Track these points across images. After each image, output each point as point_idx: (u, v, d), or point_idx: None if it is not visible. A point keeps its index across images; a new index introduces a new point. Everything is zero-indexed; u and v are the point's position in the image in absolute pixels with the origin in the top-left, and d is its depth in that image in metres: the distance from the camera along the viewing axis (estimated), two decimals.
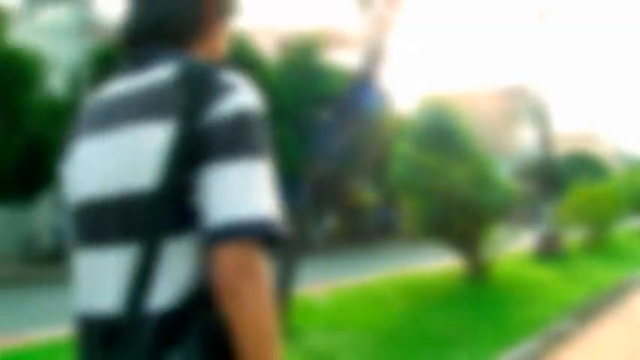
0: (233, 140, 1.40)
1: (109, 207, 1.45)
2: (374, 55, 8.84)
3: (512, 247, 20.07)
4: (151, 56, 1.54)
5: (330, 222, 36.50)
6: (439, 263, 16.83)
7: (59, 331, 7.87)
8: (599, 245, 23.36)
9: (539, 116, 22.58)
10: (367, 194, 36.62)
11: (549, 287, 12.54)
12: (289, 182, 23.53)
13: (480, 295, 11.85)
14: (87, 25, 24.19)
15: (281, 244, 1.45)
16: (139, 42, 1.57)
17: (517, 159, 63.36)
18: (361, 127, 27.33)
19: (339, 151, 9.49)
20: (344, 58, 31.12)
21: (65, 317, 2.54)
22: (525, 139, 69.74)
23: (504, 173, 36.01)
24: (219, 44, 1.69)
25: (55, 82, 23.51)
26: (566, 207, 22.45)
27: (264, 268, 1.40)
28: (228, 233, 1.34)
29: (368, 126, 29.06)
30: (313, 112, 29.20)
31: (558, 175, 23.76)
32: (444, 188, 12.71)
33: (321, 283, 14.02)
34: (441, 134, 13.54)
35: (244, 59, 27.16)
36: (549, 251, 18.96)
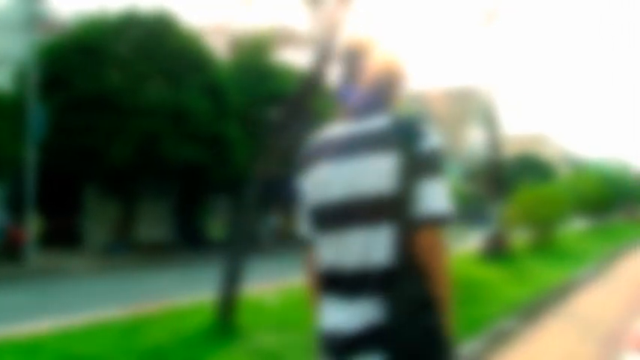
0: (434, 165, 2.33)
1: (352, 204, 2.35)
2: (324, 55, 8.83)
3: (460, 247, 20.27)
4: (367, 112, 2.46)
5: (279, 221, 36.48)
6: None
7: None
8: (545, 245, 23.75)
9: (488, 118, 22.82)
10: None
11: (495, 287, 12.68)
12: (238, 181, 23.35)
13: None
14: (35, 20, 23.79)
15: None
16: (356, 101, 2.50)
17: (466, 160, 64.07)
18: (311, 126, 27.42)
19: (288, 150, 9.47)
20: (295, 57, 31.15)
21: None
22: (475, 141, 70.54)
23: (453, 174, 36.20)
24: (399, 99, 2.57)
25: (1, 77, 23.13)
26: (512, 208, 22.76)
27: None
28: (435, 219, 2.29)
29: (319, 125, 29.15)
30: (263, 111, 29.17)
31: (506, 177, 24.06)
32: None
33: (270, 282, 13.99)
34: None
35: (195, 58, 27.01)
36: (496, 251, 19.20)
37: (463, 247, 21.19)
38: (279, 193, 30.74)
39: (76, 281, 18.75)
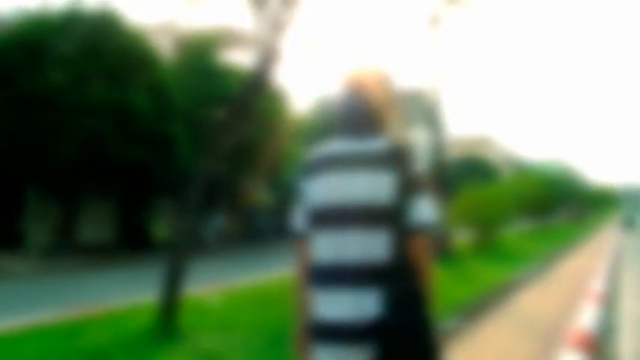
0: (423, 183, 2.77)
1: (350, 209, 2.69)
2: (268, 56, 8.84)
3: None
4: (366, 132, 2.84)
5: (224, 222, 36.31)
6: None
7: None
8: (488, 246, 24.07)
9: (432, 120, 23.01)
10: (261, 194, 36.62)
11: (438, 287, 12.82)
12: (181, 181, 23.19)
13: None
14: None
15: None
16: (354, 125, 2.87)
17: None
18: (256, 127, 27.30)
19: (232, 151, 9.45)
20: (240, 58, 31.05)
21: None
22: (419, 143, 71.08)
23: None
24: (393, 126, 3.00)
25: None
26: (455, 209, 22.99)
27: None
28: (423, 227, 2.72)
29: (263, 126, 29.04)
30: (208, 112, 29.02)
31: (450, 179, 24.29)
32: None
33: (214, 284, 13.93)
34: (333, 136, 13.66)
35: (139, 57, 26.73)
36: (439, 252, 19.38)
37: None
38: (224, 194, 30.67)
39: (16, 283, 18.45)
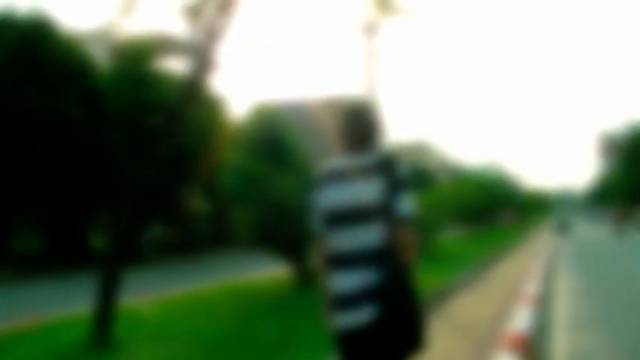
0: (405, 185, 3.67)
1: (351, 208, 3.66)
2: (204, 63, 8.80)
3: None
4: (363, 148, 3.84)
5: (161, 231, 35.93)
6: (270, 271, 16.93)
7: None
8: (424, 251, 24.27)
9: None
10: (199, 203, 36.36)
11: None
12: (117, 190, 22.79)
13: (308, 302, 12.00)
14: None
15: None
16: (353, 143, 3.88)
17: None
18: (194, 134, 27.12)
19: (169, 159, 9.37)
20: (176, 65, 30.82)
21: None
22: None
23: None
24: (379, 142, 3.94)
25: None
26: None
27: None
28: (406, 218, 3.62)
29: (201, 134, 28.87)
30: (145, 119, 28.72)
31: None
32: (273, 198, 12.78)
33: (150, 294, 13.79)
34: (272, 143, 13.61)
35: (74, 64, 26.34)
36: None
37: None
38: (161, 203, 30.33)
39: None
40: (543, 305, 12.53)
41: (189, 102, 9.03)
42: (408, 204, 3.70)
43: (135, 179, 8.78)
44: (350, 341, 3.73)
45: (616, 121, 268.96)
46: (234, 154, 14.17)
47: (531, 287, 13.53)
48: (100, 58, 30.17)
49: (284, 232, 13.13)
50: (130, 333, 8.98)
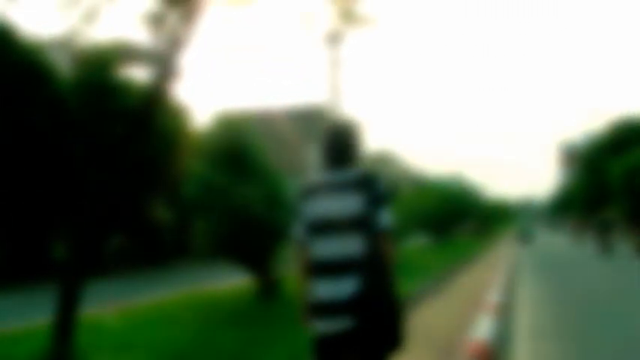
0: (385, 199, 4.09)
1: (334, 220, 4.04)
2: (167, 72, 8.77)
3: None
4: (344, 164, 4.24)
5: (124, 241, 35.60)
6: (233, 281, 16.88)
7: None
8: None
9: None
10: (163, 213, 36.13)
11: None
12: (80, 200, 22.58)
13: (270, 313, 11.99)
14: None
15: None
16: (335, 158, 4.27)
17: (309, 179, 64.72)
18: (157, 143, 26.97)
19: (132, 167, 9.32)
20: (140, 74, 30.64)
21: None
22: (318, 160, 71.47)
23: (296, 193, 36.72)
24: (359, 161, 4.35)
25: None
26: None
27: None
28: (385, 230, 4.02)
29: (164, 143, 28.71)
30: (108, 128, 28.44)
31: None
32: (236, 207, 12.74)
33: (112, 304, 13.67)
34: (235, 153, 13.57)
35: (36, 72, 26.05)
36: None
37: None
38: (125, 212, 30.08)
39: None
40: (505, 314, 12.63)
41: (152, 110, 8.98)
42: (387, 217, 4.11)
43: (97, 189, 8.71)
44: (329, 347, 4.08)
45: (576, 131, 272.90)
46: (198, 163, 14.11)
47: (493, 296, 13.64)
48: (63, 65, 29.88)
49: (247, 242, 13.10)
50: (91, 344, 8.89)
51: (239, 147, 13.68)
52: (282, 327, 10.57)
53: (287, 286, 14.50)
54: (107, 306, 13.37)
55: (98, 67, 29.62)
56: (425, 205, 44.28)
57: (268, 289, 13.87)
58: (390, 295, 4.03)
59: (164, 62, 8.84)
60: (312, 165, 73.25)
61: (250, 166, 13.62)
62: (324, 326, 4.02)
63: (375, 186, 4.12)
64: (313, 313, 4.09)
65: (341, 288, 3.96)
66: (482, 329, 9.43)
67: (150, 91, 8.93)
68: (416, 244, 41.15)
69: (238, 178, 13.19)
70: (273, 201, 13.35)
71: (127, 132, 8.95)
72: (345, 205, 4.07)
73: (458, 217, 64.58)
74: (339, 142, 4.34)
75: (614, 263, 30.46)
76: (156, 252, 37.12)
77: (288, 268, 14.73)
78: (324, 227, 4.11)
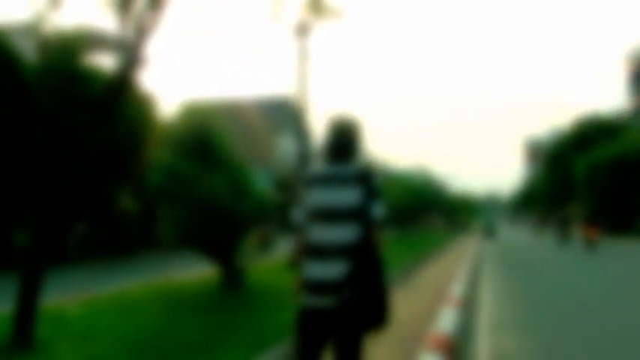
0: (378, 193, 4.50)
1: (333, 210, 4.43)
2: (132, 59, 8.69)
3: (271, 255, 20.47)
4: (345, 159, 4.63)
5: (89, 230, 35.28)
6: (198, 271, 16.82)
7: None
8: None
9: (298, 129, 23.16)
10: (128, 202, 35.85)
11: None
12: (43, 187, 22.35)
13: (235, 302, 11.97)
14: None
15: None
16: (337, 153, 4.63)
17: (277, 170, 64.73)
18: (123, 132, 26.74)
19: (98, 156, 9.23)
20: (106, 61, 30.31)
21: None
22: (286, 150, 71.45)
23: (263, 183, 36.42)
24: (359, 152, 4.73)
25: None
26: None
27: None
28: (378, 222, 4.44)
29: (131, 131, 28.48)
30: (72, 115, 28.09)
31: None
32: (201, 197, 12.68)
33: (76, 294, 13.56)
34: (200, 142, 13.50)
35: (0, 59, 25.67)
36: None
37: (272, 255, 21.41)
38: (89, 201, 29.82)
39: None
40: (468, 307, 12.73)
41: (118, 98, 8.91)
42: (380, 209, 4.54)
43: (61, 176, 8.62)
44: (313, 318, 4.49)
45: (541, 127, 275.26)
46: (163, 152, 14.01)
47: (456, 289, 13.73)
48: (27, 52, 29.47)
49: (211, 232, 13.05)
50: (53, 333, 8.81)
51: (205, 136, 13.61)
52: (246, 315, 10.57)
53: (253, 277, 14.48)
54: (70, 295, 13.24)
55: (64, 54, 29.22)
56: (390, 198, 44.45)
57: (233, 278, 13.84)
58: (380, 278, 4.51)
59: (130, 49, 8.77)
60: (280, 155, 73.20)
61: (216, 155, 13.56)
62: (312, 301, 4.45)
63: (372, 181, 4.53)
64: (304, 290, 4.52)
65: (333, 270, 4.40)
66: (446, 322, 9.49)
67: (115, 79, 8.86)
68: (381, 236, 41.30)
69: (204, 167, 13.12)
70: (238, 191, 13.30)
71: (92, 120, 8.87)
72: (345, 196, 4.49)
73: (423, 210, 64.92)
74: (341, 138, 4.72)
75: (570, 255, 32.05)
76: (121, 241, 36.84)
77: (255, 258, 14.72)
78: (324, 215, 4.51)
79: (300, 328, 4.55)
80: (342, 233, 4.44)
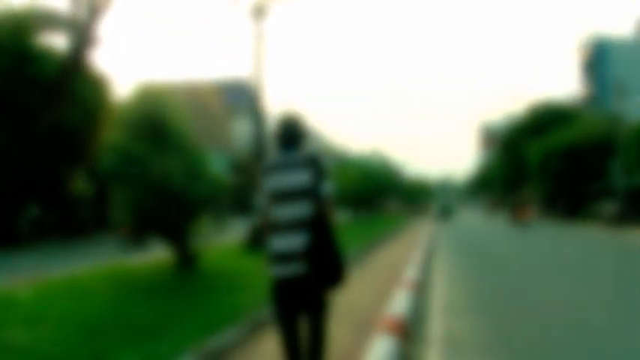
0: (327, 173, 5.44)
1: (288, 191, 5.33)
2: (85, 39, 8.56)
3: (224, 238, 20.38)
4: (293, 148, 5.55)
5: (40, 212, 34.81)
6: (152, 255, 16.69)
7: None
8: None
9: (254, 112, 23.05)
10: (82, 184, 35.43)
11: (255, 276, 12.88)
12: None
13: (189, 285, 11.91)
14: None
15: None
16: (287, 142, 5.57)
17: (233, 152, 64.47)
18: (76, 114, 26.37)
19: (50, 138, 9.09)
20: (57, 41, 29.82)
21: None
22: (242, 133, 71.19)
23: (219, 166, 36.20)
24: (306, 141, 5.67)
25: None
26: None
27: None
28: (328, 198, 5.37)
29: (84, 113, 28.09)
30: (23, 96, 27.63)
31: None
32: (155, 179, 12.55)
33: (27, 276, 13.38)
34: (154, 124, 13.34)
35: None
36: (258, 242, 19.47)
37: (227, 237, 21.33)
38: (41, 183, 29.41)
39: None
40: (421, 290, 12.82)
41: (70, 78, 8.78)
42: (329, 187, 5.43)
43: (12, 157, 8.48)
44: (284, 286, 5.40)
45: (497, 112, 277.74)
46: (117, 133, 13.82)
47: (410, 272, 13.81)
48: None
49: (165, 214, 12.94)
50: (1, 316, 8.69)
51: (159, 118, 13.45)
52: (200, 298, 10.52)
53: (207, 260, 14.41)
54: (20, 278, 13.06)
55: (14, 34, 28.65)
56: (347, 181, 44.55)
57: (187, 261, 13.75)
58: (334, 245, 5.34)
59: (83, 29, 8.64)
60: (237, 137, 72.90)
61: (170, 138, 13.42)
62: (281, 270, 5.35)
63: (319, 163, 5.44)
64: (273, 261, 5.39)
65: (295, 241, 5.28)
66: (399, 304, 9.54)
67: (68, 59, 8.72)
68: (337, 219, 41.46)
69: (157, 149, 12.98)
70: (192, 173, 13.19)
71: (43, 100, 8.73)
72: (297, 178, 5.38)
73: (379, 194, 65.20)
74: (289, 131, 5.62)
75: (520, 234, 34.96)
76: (74, 224, 36.44)
77: (209, 241, 14.63)
78: (282, 196, 5.38)
79: (275, 295, 5.47)
80: (299, 210, 5.34)
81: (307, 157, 5.49)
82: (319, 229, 5.32)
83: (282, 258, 5.34)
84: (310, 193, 5.36)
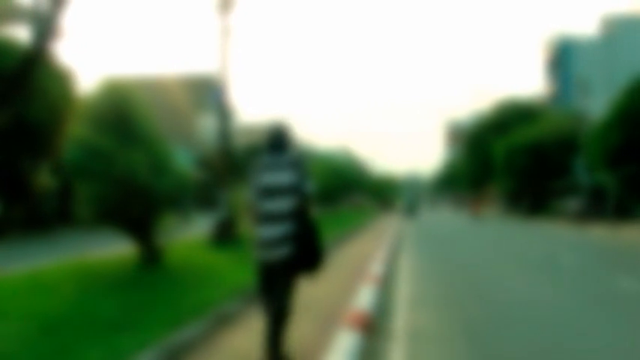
0: (308, 173, 6.66)
1: (275, 187, 6.46)
2: (47, 31, 8.46)
3: (189, 233, 20.30)
4: (282, 151, 6.70)
5: (2, 207, 34.38)
6: (116, 249, 16.58)
7: None
8: None
9: (219, 108, 22.95)
10: (45, 178, 35.06)
11: (221, 271, 12.85)
12: None
13: (154, 280, 11.84)
14: None
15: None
16: (276, 147, 6.72)
17: (199, 147, 64.20)
18: (40, 107, 26.07)
19: (12, 132, 8.97)
20: (19, 32, 29.42)
21: None
22: (208, 129, 70.90)
23: (184, 161, 35.98)
24: (292, 144, 6.90)
25: None
26: (241, 195, 23.08)
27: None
28: (309, 194, 6.58)
29: (48, 107, 27.79)
30: None
31: (237, 165, 24.33)
32: (120, 173, 12.45)
33: None
34: (119, 118, 13.23)
35: None
36: (224, 237, 19.45)
37: (192, 233, 21.26)
38: (3, 178, 29.05)
39: None
40: (386, 285, 12.87)
41: (32, 71, 8.68)
42: (311, 185, 6.54)
43: None
44: (267, 268, 6.46)
45: (463, 109, 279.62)
46: (81, 127, 13.67)
47: (375, 268, 13.87)
48: None
49: (130, 209, 12.84)
50: None
51: (124, 112, 13.33)
52: (165, 292, 10.48)
53: (172, 255, 14.35)
54: None
55: None
56: (314, 177, 44.53)
57: (152, 256, 13.67)
58: (314, 235, 6.52)
59: (45, 20, 8.54)
60: (202, 133, 72.55)
61: (135, 132, 13.30)
62: (265, 255, 6.41)
63: (303, 164, 6.61)
64: (259, 247, 6.46)
65: (279, 230, 6.36)
66: (364, 299, 9.57)
67: (30, 51, 8.62)
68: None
69: (122, 144, 12.86)
70: (156, 168, 13.09)
71: (4, 93, 8.62)
72: (284, 177, 6.47)
73: (345, 190, 65.33)
74: (278, 138, 6.72)
75: (482, 227, 37.32)
76: (37, 219, 36.04)
77: (174, 236, 14.56)
78: (270, 191, 6.46)
79: (259, 275, 6.58)
80: (284, 204, 6.42)
81: (293, 159, 6.60)
82: (302, 220, 6.45)
83: (267, 244, 6.38)
84: (294, 190, 6.45)
